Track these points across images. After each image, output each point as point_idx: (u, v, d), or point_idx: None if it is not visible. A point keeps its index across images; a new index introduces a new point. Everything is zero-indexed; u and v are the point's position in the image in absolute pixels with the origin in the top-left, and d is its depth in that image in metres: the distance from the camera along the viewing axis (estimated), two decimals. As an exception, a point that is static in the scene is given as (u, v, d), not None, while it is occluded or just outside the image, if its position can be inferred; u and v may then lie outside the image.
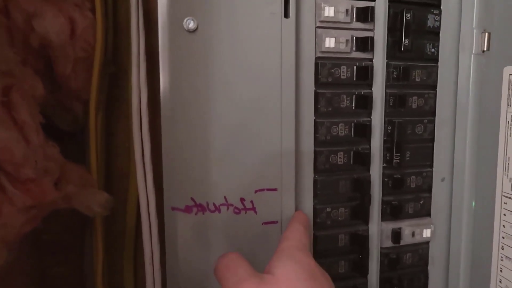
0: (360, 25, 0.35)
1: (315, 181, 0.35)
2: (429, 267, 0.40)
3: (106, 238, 0.36)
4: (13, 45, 0.28)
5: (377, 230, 0.38)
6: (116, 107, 0.38)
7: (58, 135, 0.32)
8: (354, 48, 0.35)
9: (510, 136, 0.33)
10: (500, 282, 0.35)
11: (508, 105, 0.34)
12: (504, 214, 0.34)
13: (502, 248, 0.35)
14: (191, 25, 0.29)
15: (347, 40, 0.34)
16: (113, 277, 0.38)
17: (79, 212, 0.36)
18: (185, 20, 0.29)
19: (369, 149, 0.36)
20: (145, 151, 0.33)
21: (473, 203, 0.38)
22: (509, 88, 0.34)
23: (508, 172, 0.34)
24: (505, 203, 0.34)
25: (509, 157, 0.34)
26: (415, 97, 0.37)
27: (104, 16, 0.32)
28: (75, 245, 0.38)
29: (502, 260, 0.35)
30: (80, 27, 0.30)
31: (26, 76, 0.28)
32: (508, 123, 0.34)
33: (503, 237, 0.35)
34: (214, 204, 0.31)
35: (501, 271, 0.35)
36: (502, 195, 0.35)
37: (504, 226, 0.35)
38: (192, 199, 0.31)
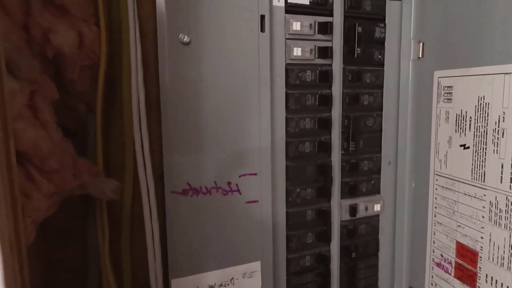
0: (321, 36, 0.42)
1: (287, 167, 0.42)
2: (379, 236, 0.48)
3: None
4: (33, 55, 0.32)
5: (338, 206, 0.45)
6: (110, 107, 0.43)
7: (63, 132, 0.37)
8: (316, 56, 0.42)
9: (439, 126, 0.42)
10: (434, 243, 0.44)
11: (438, 101, 0.42)
12: (436, 189, 0.43)
13: (435, 216, 0.44)
14: (185, 39, 0.35)
15: (311, 49, 0.41)
16: (112, 257, 0.43)
17: (80, 201, 0.41)
18: (180, 35, 0.35)
19: (330, 139, 0.44)
20: (144, 145, 0.38)
21: (413, 184, 0.47)
22: (438, 88, 0.42)
23: (438, 154, 0.42)
24: (437, 180, 0.43)
25: (438, 143, 0.42)
26: (366, 96, 0.45)
27: (107, 29, 0.37)
28: (77, 231, 0.43)
29: (435, 226, 0.44)
30: (87, 39, 0.35)
31: (45, 82, 0.32)
32: (438, 116, 0.42)
33: (435, 207, 0.43)
34: (206, 188, 0.37)
35: (434, 234, 0.44)
36: (434, 173, 0.43)
37: (436, 198, 0.43)
38: (188, 183, 0.37)
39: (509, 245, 0.34)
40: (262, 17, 0.38)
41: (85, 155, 0.41)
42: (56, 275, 0.42)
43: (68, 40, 0.33)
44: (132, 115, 0.38)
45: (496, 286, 0.36)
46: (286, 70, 0.41)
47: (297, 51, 0.40)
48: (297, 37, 0.41)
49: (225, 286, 0.39)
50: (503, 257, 0.35)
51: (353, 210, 0.46)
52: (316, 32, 0.41)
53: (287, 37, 0.40)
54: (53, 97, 0.33)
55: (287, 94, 0.41)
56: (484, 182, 0.37)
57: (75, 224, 0.42)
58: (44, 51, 0.33)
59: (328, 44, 0.42)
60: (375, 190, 0.47)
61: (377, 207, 0.47)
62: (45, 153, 0.30)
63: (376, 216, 0.48)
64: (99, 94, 0.37)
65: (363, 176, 0.46)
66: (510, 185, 0.34)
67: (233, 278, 0.39)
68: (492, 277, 0.36)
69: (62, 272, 0.42)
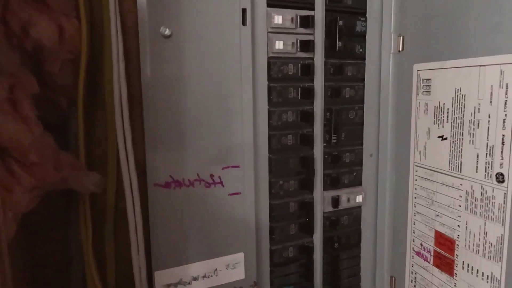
0: (303, 30, 0.42)
1: (270, 159, 0.43)
2: (361, 226, 0.49)
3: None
4: (12, 49, 0.32)
5: (320, 197, 0.46)
6: (92, 101, 0.43)
7: (44, 126, 0.37)
8: (298, 49, 0.42)
9: (418, 118, 0.43)
10: (414, 232, 0.45)
11: (417, 94, 0.43)
12: (416, 180, 0.44)
13: (415, 206, 0.45)
14: (167, 32, 0.35)
15: (293, 43, 0.42)
16: (96, 250, 0.43)
17: (62, 195, 0.41)
18: (161, 28, 0.35)
19: (312, 131, 0.44)
20: (126, 138, 0.38)
21: (394, 175, 0.48)
22: (417, 81, 0.43)
23: (417, 146, 0.43)
24: (416, 171, 0.44)
25: (418, 135, 0.43)
26: (347, 89, 0.46)
27: (88, 23, 0.37)
28: (59, 225, 0.43)
29: (415, 215, 0.45)
30: (67, 33, 0.35)
31: (25, 75, 0.32)
32: (417, 108, 0.43)
33: (415, 197, 0.44)
34: (188, 180, 0.38)
35: (414, 224, 0.45)
36: (414, 164, 0.44)
37: (416, 188, 0.44)
38: (170, 176, 0.37)
39: (484, 232, 0.36)
40: (244, 10, 0.38)
41: (68, 149, 0.41)
42: (38, 270, 0.41)
43: (47, 33, 0.33)
44: (114, 109, 0.38)
45: (472, 272, 0.37)
46: (268, 64, 0.41)
47: (279, 45, 0.41)
48: (279, 31, 0.41)
49: (208, 277, 0.40)
50: (479, 244, 0.36)
51: (335, 201, 0.46)
52: (298, 26, 0.42)
53: (269, 30, 0.41)
54: (33, 91, 0.33)
55: (269, 87, 0.41)
56: (460, 172, 0.38)
57: (57, 219, 0.42)
58: (23, 45, 0.33)
59: (309, 37, 0.43)
60: (357, 181, 0.48)
61: (359, 199, 0.48)
62: (26, 147, 0.30)
63: (358, 207, 0.49)
64: (80, 88, 0.37)
65: (345, 168, 0.47)
66: (485, 175, 0.35)
67: (216, 269, 0.40)
68: (468, 264, 0.38)
69: (44, 267, 0.42)
